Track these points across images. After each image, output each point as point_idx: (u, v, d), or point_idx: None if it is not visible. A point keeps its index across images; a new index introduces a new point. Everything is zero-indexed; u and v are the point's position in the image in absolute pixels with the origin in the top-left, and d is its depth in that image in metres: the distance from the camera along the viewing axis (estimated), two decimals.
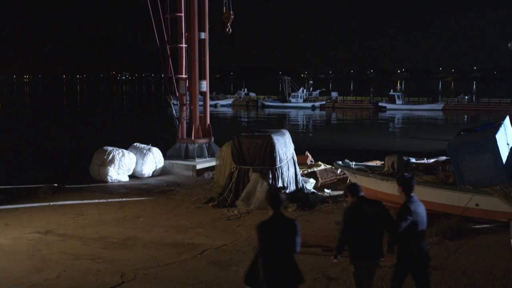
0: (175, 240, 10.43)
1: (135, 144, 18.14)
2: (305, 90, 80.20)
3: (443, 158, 14.10)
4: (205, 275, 8.48)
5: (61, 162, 24.36)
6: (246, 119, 63.54)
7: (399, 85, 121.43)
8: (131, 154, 17.14)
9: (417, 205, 6.35)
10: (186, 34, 18.49)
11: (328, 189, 14.99)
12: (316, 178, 15.51)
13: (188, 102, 18.91)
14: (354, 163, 14.20)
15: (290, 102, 77.45)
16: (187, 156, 18.60)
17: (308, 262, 8.99)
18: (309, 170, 16.26)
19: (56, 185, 15.83)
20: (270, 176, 13.42)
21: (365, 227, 6.09)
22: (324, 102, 77.95)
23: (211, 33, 18.94)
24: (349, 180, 14.47)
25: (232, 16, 18.33)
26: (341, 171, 14.87)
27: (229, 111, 74.49)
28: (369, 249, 6.13)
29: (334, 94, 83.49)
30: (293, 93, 78.56)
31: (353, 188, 6.38)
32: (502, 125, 11.84)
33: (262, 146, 13.55)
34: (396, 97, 73.63)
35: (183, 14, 18.40)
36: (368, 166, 14.31)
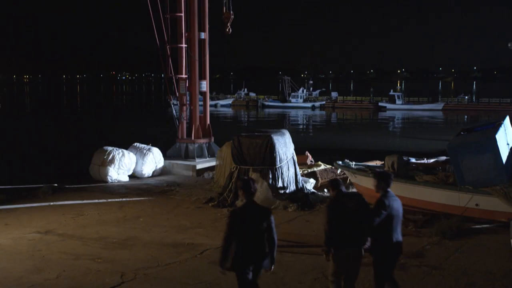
0: (175, 240, 10.43)
1: (135, 144, 18.14)
2: (305, 90, 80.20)
3: (443, 158, 14.10)
4: (205, 275, 8.48)
5: (61, 162, 24.35)
6: (246, 119, 63.54)
7: (399, 85, 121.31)
8: (131, 154, 17.14)
9: (392, 200, 6.62)
10: (186, 34, 18.49)
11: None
12: (316, 178, 15.51)
13: (188, 102, 18.91)
14: (354, 163, 14.19)
15: (290, 102, 77.46)
16: (187, 156, 18.60)
17: (308, 262, 9.00)
18: (309, 170, 16.26)
19: (56, 185, 15.83)
20: (270, 176, 13.43)
21: (345, 219, 6.41)
22: (324, 102, 77.96)
23: (211, 33, 18.94)
24: (349, 180, 14.48)
25: (232, 16, 18.32)
26: (341, 171, 14.88)
27: (229, 111, 74.49)
28: (348, 239, 6.42)
29: (334, 94, 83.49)
30: (293, 93, 78.57)
31: (335, 183, 6.70)
32: (502, 125, 11.84)
33: (262, 146, 13.55)
34: (396, 97, 73.64)
35: (183, 14, 18.40)
36: (368, 166, 14.31)
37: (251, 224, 6.08)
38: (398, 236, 6.63)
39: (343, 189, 6.68)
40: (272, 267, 6.29)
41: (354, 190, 13.58)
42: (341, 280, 6.56)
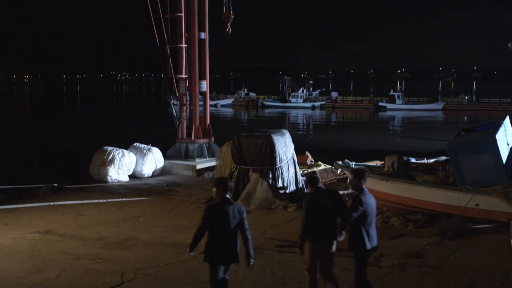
0: (175, 240, 10.43)
1: (135, 144, 18.14)
2: (305, 90, 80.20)
3: (443, 158, 14.10)
4: (205, 275, 8.42)
5: (61, 162, 24.34)
6: (246, 119, 63.54)
7: (399, 85, 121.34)
8: (131, 154, 17.14)
9: (368, 196, 7.01)
10: (186, 34, 18.50)
11: None
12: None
13: (188, 102, 18.91)
14: (354, 163, 14.19)
15: (290, 102, 77.46)
16: (187, 156, 18.60)
17: None
18: (309, 170, 16.27)
19: (56, 185, 15.84)
20: (270, 176, 13.42)
21: (321, 214, 6.79)
22: (324, 102, 77.97)
23: (211, 33, 18.94)
24: (349, 180, 14.48)
25: (232, 16, 18.33)
26: (341, 171, 14.87)
27: (229, 111, 74.49)
28: (323, 233, 6.81)
29: (334, 94, 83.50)
30: (293, 93, 78.57)
31: (312, 180, 7.10)
32: (502, 125, 11.84)
33: (262, 146, 13.55)
34: (396, 97, 73.66)
35: (183, 14, 18.40)
36: (368, 166, 14.31)
37: (225, 220, 6.41)
38: (373, 231, 7.02)
39: (321, 186, 7.08)
40: (251, 262, 6.60)
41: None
42: (317, 271, 6.95)
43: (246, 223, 6.56)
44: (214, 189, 6.62)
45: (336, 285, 6.97)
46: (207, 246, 6.49)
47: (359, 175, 7.12)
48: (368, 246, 6.95)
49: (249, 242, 6.56)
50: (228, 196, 6.57)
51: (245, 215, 6.57)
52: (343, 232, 6.94)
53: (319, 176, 7.26)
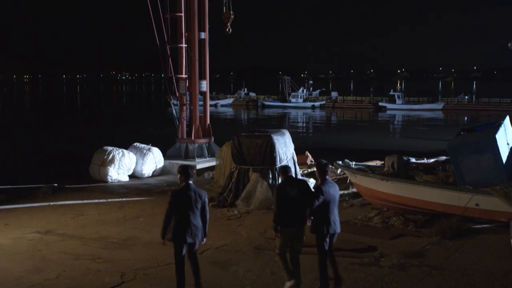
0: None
1: (135, 144, 18.14)
2: (305, 90, 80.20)
3: (443, 158, 14.10)
4: (205, 275, 8.47)
5: (61, 162, 24.34)
6: (246, 119, 63.53)
7: (399, 85, 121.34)
8: (131, 154, 17.14)
9: (329, 186, 7.63)
10: (186, 34, 18.49)
11: None
12: (316, 178, 15.50)
13: (188, 102, 18.90)
14: (354, 163, 14.19)
15: (290, 102, 77.49)
16: (187, 156, 18.60)
17: (308, 262, 8.97)
18: (309, 170, 16.27)
19: (56, 185, 15.83)
20: (270, 176, 13.42)
21: (289, 201, 7.45)
22: (324, 102, 77.98)
23: (211, 33, 18.94)
24: (349, 180, 14.48)
25: (232, 16, 18.33)
26: (341, 171, 14.88)
27: (229, 111, 74.48)
28: (291, 219, 7.46)
29: (334, 94, 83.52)
30: (293, 93, 78.58)
31: (284, 169, 7.80)
32: (502, 125, 11.83)
33: (262, 146, 13.55)
34: (396, 97, 73.66)
35: (183, 14, 18.40)
36: (368, 166, 14.30)
37: (188, 203, 7.26)
38: (335, 217, 7.63)
39: (291, 175, 7.79)
40: (204, 240, 7.54)
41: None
42: (287, 253, 7.58)
43: (207, 206, 7.46)
44: (179, 176, 7.49)
45: (298, 269, 7.63)
46: (174, 228, 7.24)
47: (319, 168, 7.79)
48: (330, 231, 7.56)
49: (207, 222, 7.47)
50: (190, 182, 7.40)
51: (206, 199, 7.44)
52: (312, 218, 7.61)
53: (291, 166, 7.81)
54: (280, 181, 7.87)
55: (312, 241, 9.35)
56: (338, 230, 7.72)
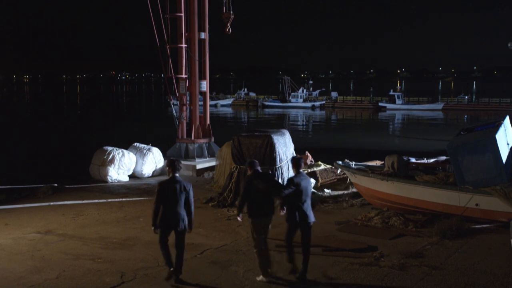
0: (175, 240, 10.41)
1: (135, 144, 18.14)
2: (305, 90, 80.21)
3: (443, 158, 14.09)
4: (205, 275, 8.48)
5: (61, 162, 24.34)
6: (246, 119, 63.54)
7: (399, 85, 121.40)
8: (131, 154, 17.14)
9: (302, 178, 8.14)
10: (186, 34, 18.49)
11: (328, 189, 14.98)
12: (316, 178, 15.51)
13: (188, 102, 18.90)
14: (354, 163, 14.19)
15: (290, 102, 77.49)
16: (187, 156, 18.60)
17: (310, 262, 8.98)
18: (309, 170, 16.25)
19: (56, 185, 15.83)
20: None
21: (257, 193, 7.99)
22: (324, 102, 77.99)
23: (211, 33, 18.94)
24: (349, 180, 14.48)
25: (232, 16, 18.33)
26: (341, 171, 14.87)
27: (229, 111, 74.49)
28: (261, 210, 8.02)
29: (334, 94, 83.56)
30: (293, 93, 78.59)
31: (251, 164, 8.29)
32: (502, 125, 11.83)
33: (262, 146, 13.54)
34: (396, 97, 73.67)
35: (183, 14, 18.39)
36: (368, 166, 14.30)
37: (174, 194, 7.85)
38: (306, 207, 8.11)
39: (259, 169, 8.27)
40: (190, 230, 8.09)
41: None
42: (264, 243, 8.08)
43: (192, 198, 8.03)
44: (167, 168, 8.13)
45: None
46: (160, 216, 7.87)
47: (293, 162, 8.39)
48: (302, 220, 8.05)
49: (192, 213, 8.04)
50: (176, 175, 8.01)
51: (191, 191, 8.03)
52: (285, 208, 8.18)
53: (257, 161, 8.50)
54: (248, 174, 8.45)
55: (311, 241, 9.41)
56: (313, 219, 8.20)
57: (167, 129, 26.20)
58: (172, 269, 8.04)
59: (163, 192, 7.90)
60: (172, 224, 7.90)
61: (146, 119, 59.76)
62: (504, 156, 11.10)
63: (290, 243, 8.19)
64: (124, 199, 14.27)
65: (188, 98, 18.85)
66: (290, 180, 8.10)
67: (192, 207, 8.05)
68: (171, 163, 8.07)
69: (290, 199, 8.02)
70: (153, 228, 7.99)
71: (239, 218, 8.41)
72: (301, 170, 8.30)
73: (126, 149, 17.45)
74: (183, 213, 7.92)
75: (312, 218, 8.17)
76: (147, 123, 50.37)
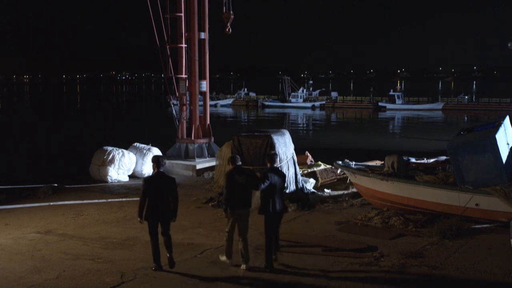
0: (175, 240, 10.36)
1: (135, 144, 18.14)
2: (305, 90, 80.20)
3: (443, 158, 14.09)
4: (205, 275, 8.48)
5: (61, 162, 24.34)
6: (246, 119, 63.54)
7: (399, 85, 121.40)
8: (131, 154, 17.14)
9: (275, 174, 8.82)
10: (186, 34, 18.49)
11: (328, 189, 14.98)
12: (316, 178, 15.51)
13: (188, 102, 18.90)
14: (354, 163, 14.19)
15: (290, 102, 77.47)
16: (187, 156, 18.59)
17: (308, 262, 9.00)
18: (309, 170, 16.26)
19: (56, 185, 15.83)
20: None
21: (237, 187, 8.59)
22: (324, 102, 77.98)
23: (211, 33, 18.93)
24: (349, 180, 14.48)
25: (232, 16, 18.33)
26: (341, 171, 14.87)
27: (229, 111, 74.47)
28: (240, 202, 8.65)
29: (334, 94, 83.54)
30: (293, 93, 78.58)
31: (232, 160, 8.87)
32: (502, 125, 11.83)
33: (262, 146, 13.54)
34: (396, 97, 73.67)
35: (183, 14, 18.39)
36: (368, 166, 14.30)
37: (159, 188, 8.41)
38: (278, 201, 8.80)
39: (239, 164, 8.86)
40: (174, 220, 8.62)
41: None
42: (234, 232, 8.76)
43: (176, 191, 8.54)
44: (152, 165, 8.61)
45: (246, 243, 8.70)
46: (146, 209, 8.38)
47: (268, 157, 9.06)
48: (274, 210, 8.74)
49: (176, 206, 8.56)
50: (161, 170, 8.53)
51: (175, 185, 8.53)
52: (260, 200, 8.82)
53: (238, 156, 9.20)
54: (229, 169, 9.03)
55: (311, 241, 9.42)
56: (284, 209, 9.04)
57: (167, 129, 26.18)
58: (155, 266, 8.59)
59: (148, 187, 8.41)
60: (158, 216, 8.45)
61: (146, 119, 59.75)
62: (504, 156, 11.10)
63: (270, 234, 8.74)
64: (124, 199, 14.27)
65: (188, 98, 18.85)
66: (265, 174, 8.72)
67: (176, 200, 8.55)
68: (156, 160, 8.56)
69: (264, 191, 8.72)
70: (139, 219, 8.52)
71: (226, 215, 8.77)
72: (275, 165, 8.94)
73: (126, 149, 17.45)
74: (168, 205, 8.46)
75: (283, 208, 8.95)
76: (147, 123, 50.37)
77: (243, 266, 8.64)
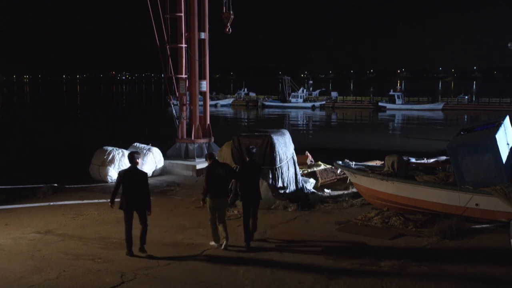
0: (175, 240, 10.43)
1: (135, 144, 18.14)
2: (305, 90, 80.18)
3: (443, 158, 14.09)
4: (205, 275, 8.48)
5: (61, 162, 24.34)
6: (246, 119, 63.54)
7: (399, 85, 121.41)
8: None
9: (252, 165, 10.12)
10: (186, 34, 18.50)
11: (328, 189, 14.98)
12: (316, 178, 15.51)
13: (188, 102, 18.90)
14: (354, 163, 14.19)
15: (290, 102, 77.45)
16: (187, 156, 18.60)
17: (308, 262, 9.00)
18: (309, 170, 16.26)
19: (56, 185, 15.83)
20: (270, 176, 13.41)
21: (216, 179, 9.68)
22: (324, 102, 77.97)
23: (211, 33, 18.94)
24: (349, 180, 14.48)
25: (232, 16, 18.33)
26: (341, 171, 14.87)
27: (229, 111, 74.49)
28: (218, 192, 9.73)
29: (334, 94, 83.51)
30: (293, 93, 78.56)
31: (210, 155, 10.05)
32: (502, 125, 11.83)
33: (262, 146, 13.53)
34: (396, 97, 73.64)
35: (183, 14, 18.40)
36: (368, 166, 14.30)
37: (132, 180, 9.32)
38: (255, 188, 10.11)
39: (216, 159, 10.17)
40: (148, 213, 9.43)
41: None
42: (216, 219, 9.80)
43: (147, 184, 9.47)
44: (128, 160, 9.60)
45: (225, 225, 9.80)
46: (122, 199, 9.30)
47: (247, 151, 10.27)
48: (250, 197, 9.94)
49: (148, 197, 9.41)
50: (135, 165, 9.39)
51: (146, 179, 9.44)
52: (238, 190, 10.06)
53: (216, 152, 11.23)
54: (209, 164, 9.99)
55: (311, 241, 9.43)
56: (260, 197, 10.23)
57: (167, 129, 26.20)
58: (128, 248, 9.46)
59: (122, 179, 9.35)
60: (132, 206, 9.31)
61: (146, 119, 59.76)
62: (504, 156, 11.10)
63: (248, 217, 9.93)
64: None
65: (188, 98, 18.86)
66: (242, 166, 10.29)
67: (147, 193, 9.40)
68: (131, 156, 9.51)
69: (242, 181, 9.94)
70: (110, 204, 9.50)
71: (204, 204, 9.89)
72: (252, 158, 10.20)
73: (126, 149, 17.44)
74: (140, 196, 9.31)
75: (259, 195, 10.20)
76: (147, 123, 50.38)
77: (224, 242, 9.73)
